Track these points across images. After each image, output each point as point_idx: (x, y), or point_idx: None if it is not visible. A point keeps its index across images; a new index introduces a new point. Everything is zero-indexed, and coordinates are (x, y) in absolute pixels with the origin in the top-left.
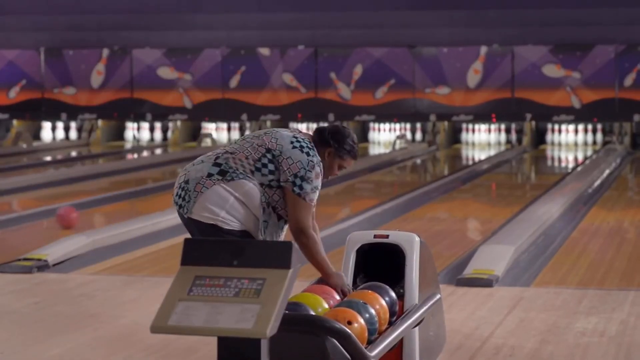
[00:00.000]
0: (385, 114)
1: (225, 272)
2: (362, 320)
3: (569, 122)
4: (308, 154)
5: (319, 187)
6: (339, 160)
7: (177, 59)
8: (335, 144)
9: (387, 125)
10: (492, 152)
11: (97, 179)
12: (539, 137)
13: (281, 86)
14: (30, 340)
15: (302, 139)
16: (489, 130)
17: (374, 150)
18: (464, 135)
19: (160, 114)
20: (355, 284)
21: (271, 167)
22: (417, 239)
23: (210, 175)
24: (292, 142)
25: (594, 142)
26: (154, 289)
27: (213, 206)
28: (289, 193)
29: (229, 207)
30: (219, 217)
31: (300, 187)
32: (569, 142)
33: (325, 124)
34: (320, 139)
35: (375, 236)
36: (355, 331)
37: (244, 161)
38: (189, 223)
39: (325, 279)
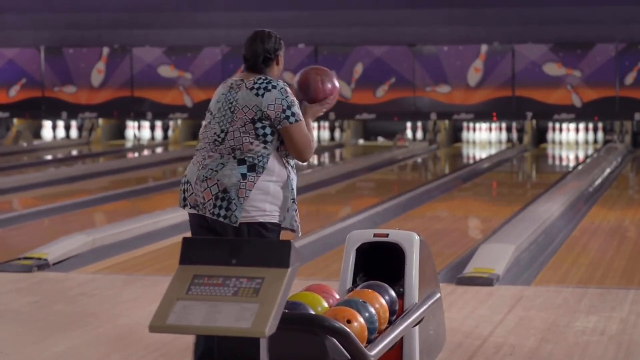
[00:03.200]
0: (386, 112)
1: (223, 271)
2: (361, 319)
3: (569, 120)
4: (274, 87)
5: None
6: (282, 59)
7: (177, 57)
8: (276, 49)
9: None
10: (493, 151)
11: (98, 177)
12: (540, 136)
13: None
14: (30, 339)
15: (254, 82)
16: (490, 129)
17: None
18: (464, 134)
19: (161, 112)
20: (355, 283)
21: (267, 129)
22: (417, 237)
23: (244, 175)
24: (256, 93)
25: (595, 141)
26: (153, 288)
27: (258, 203)
28: (286, 129)
29: (270, 197)
30: (266, 212)
31: (293, 114)
32: (570, 141)
33: (326, 123)
34: (265, 62)
35: (375, 235)
36: (355, 330)
37: (255, 147)
38: (232, 231)
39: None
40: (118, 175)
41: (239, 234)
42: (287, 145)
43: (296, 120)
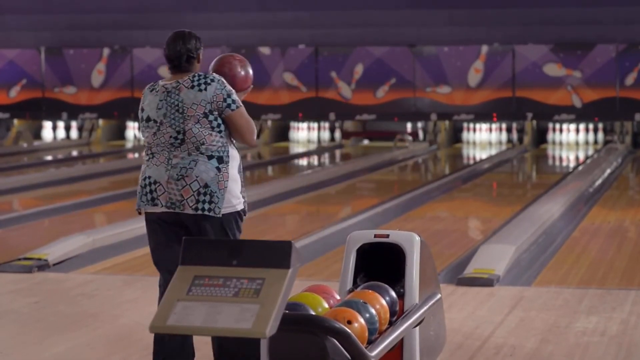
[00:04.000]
0: (386, 113)
1: (224, 272)
2: (362, 320)
3: (570, 121)
4: (211, 80)
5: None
6: (202, 56)
7: None
8: (197, 47)
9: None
10: (493, 152)
11: (98, 178)
12: (540, 136)
13: (282, 85)
14: (30, 340)
15: (190, 80)
16: (490, 130)
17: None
18: (464, 135)
19: None
20: (355, 284)
21: (219, 119)
22: (417, 238)
23: (219, 169)
24: (199, 89)
25: (595, 142)
26: (153, 288)
27: (233, 192)
28: (230, 117)
29: (241, 183)
30: (239, 199)
31: (233, 102)
32: (570, 141)
33: (326, 124)
34: (188, 61)
35: (375, 236)
36: (356, 331)
37: (215, 138)
38: (211, 223)
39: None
40: (118, 176)
41: (218, 224)
42: (232, 131)
43: (237, 107)
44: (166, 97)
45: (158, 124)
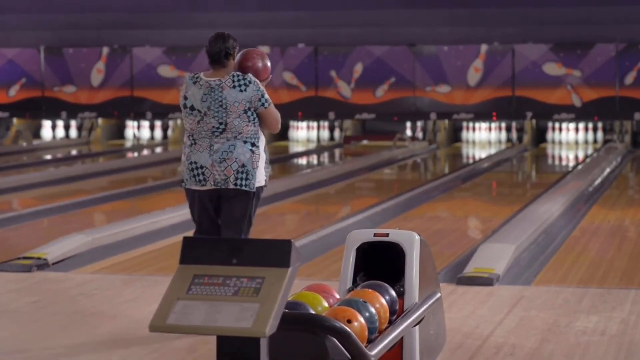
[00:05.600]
0: (386, 112)
1: (224, 271)
2: (362, 319)
3: (569, 120)
4: (249, 82)
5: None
6: (236, 51)
7: (177, 57)
8: (234, 46)
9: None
10: (493, 151)
11: (97, 177)
12: (540, 136)
13: (282, 84)
14: (29, 339)
15: (232, 80)
16: (490, 129)
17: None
18: (464, 134)
19: (161, 112)
20: (355, 283)
21: (254, 113)
22: (417, 237)
23: (252, 151)
24: (241, 90)
25: (595, 141)
26: (153, 287)
27: (261, 170)
28: (262, 113)
29: (265, 159)
30: (263, 174)
31: (266, 100)
32: (570, 141)
33: (326, 123)
34: (226, 57)
35: (375, 235)
36: (355, 330)
37: (250, 128)
38: (244, 195)
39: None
40: (117, 175)
41: (250, 197)
42: (261, 123)
43: (268, 105)
44: (210, 92)
45: (202, 114)
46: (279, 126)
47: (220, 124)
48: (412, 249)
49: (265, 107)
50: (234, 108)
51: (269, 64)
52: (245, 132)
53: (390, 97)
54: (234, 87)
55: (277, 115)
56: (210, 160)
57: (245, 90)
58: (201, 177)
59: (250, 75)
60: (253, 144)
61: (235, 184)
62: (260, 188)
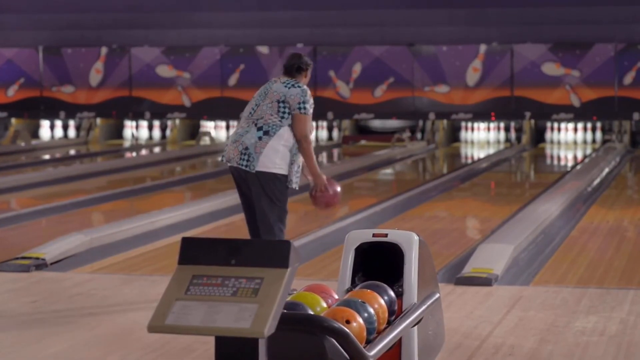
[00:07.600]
0: (385, 112)
1: (223, 271)
2: (360, 320)
3: (568, 120)
4: (299, 87)
5: (312, 101)
6: (309, 74)
7: (175, 57)
8: (306, 67)
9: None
10: (491, 151)
11: (96, 177)
12: (538, 136)
13: None
14: (27, 339)
15: (288, 80)
16: (488, 129)
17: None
18: (463, 134)
19: (159, 112)
20: (354, 283)
21: (287, 110)
22: (415, 237)
23: (260, 138)
24: (286, 86)
25: (594, 141)
26: (151, 288)
27: (272, 158)
28: (296, 115)
29: (280, 155)
30: (275, 165)
31: (304, 108)
32: (569, 141)
33: (324, 123)
34: (297, 70)
35: (374, 235)
36: (354, 330)
37: (272, 119)
38: (253, 177)
39: (313, 178)
40: (116, 175)
41: (257, 178)
42: (292, 125)
43: (305, 112)
44: (267, 85)
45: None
46: (305, 134)
47: (256, 105)
48: (411, 249)
49: (301, 113)
50: (271, 95)
51: (338, 189)
52: (266, 119)
53: (389, 97)
54: (284, 83)
55: (308, 125)
56: (231, 139)
57: (289, 88)
58: (224, 153)
59: (305, 86)
60: (266, 133)
61: (239, 164)
62: (273, 176)
